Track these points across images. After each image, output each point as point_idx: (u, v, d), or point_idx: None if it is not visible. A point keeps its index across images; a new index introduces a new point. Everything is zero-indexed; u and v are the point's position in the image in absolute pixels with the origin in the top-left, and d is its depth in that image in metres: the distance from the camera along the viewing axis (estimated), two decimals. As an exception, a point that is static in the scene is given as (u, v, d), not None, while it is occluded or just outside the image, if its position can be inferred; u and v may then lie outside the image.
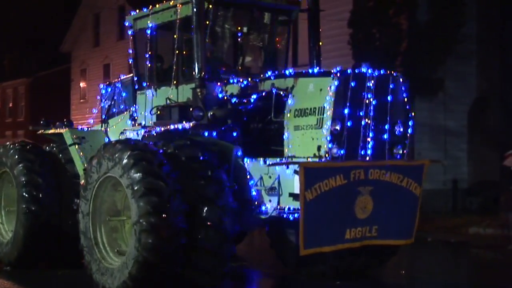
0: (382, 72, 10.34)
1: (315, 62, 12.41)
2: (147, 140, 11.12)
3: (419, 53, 23.55)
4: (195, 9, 11.05)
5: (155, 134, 11.27)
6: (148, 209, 9.79)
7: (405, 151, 10.62)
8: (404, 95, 10.54)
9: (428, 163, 10.86)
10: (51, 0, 45.22)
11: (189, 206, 10.09)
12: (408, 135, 10.61)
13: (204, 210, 10.05)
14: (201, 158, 10.39)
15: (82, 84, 44.05)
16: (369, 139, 10.30)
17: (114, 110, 13.81)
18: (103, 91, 14.29)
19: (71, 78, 44.79)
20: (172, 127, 11.06)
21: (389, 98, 10.41)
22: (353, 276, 12.00)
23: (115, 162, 10.30)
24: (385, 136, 10.45)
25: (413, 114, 10.60)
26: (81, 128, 13.80)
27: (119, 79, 13.99)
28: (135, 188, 9.92)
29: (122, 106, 13.64)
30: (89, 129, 13.99)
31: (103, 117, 14.10)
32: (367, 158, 10.31)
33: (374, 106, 10.27)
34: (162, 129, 11.17)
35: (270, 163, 10.44)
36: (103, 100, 14.19)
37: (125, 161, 10.12)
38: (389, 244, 10.99)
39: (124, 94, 13.59)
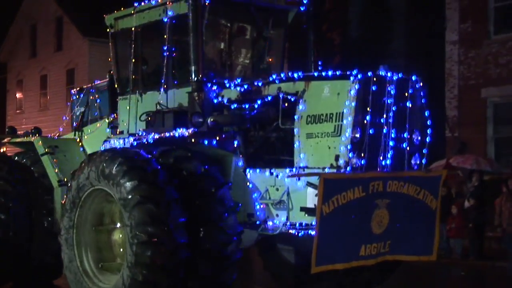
0: (402, 75, 8.66)
1: (313, 65, 10.61)
2: (138, 148, 9.11)
3: (351, 67, 22.39)
4: (192, 7, 9.16)
5: (146, 142, 9.23)
6: (144, 219, 8.04)
7: (423, 161, 8.90)
8: (422, 101, 8.92)
9: (446, 173, 9.22)
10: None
11: (188, 220, 8.35)
12: (426, 144, 8.93)
13: (206, 229, 8.42)
14: (202, 171, 8.75)
15: (18, 95, 40.92)
16: (389, 148, 8.58)
17: (88, 117, 11.63)
18: (75, 98, 12.07)
19: (7, 88, 41.62)
20: (167, 134, 9.08)
21: (408, 103, 8.72)
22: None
23: (104, 172, 8.52)
24: (404, 145, 8.82)
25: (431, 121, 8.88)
26: (50, 136, 11.58)
27: (93, 85, 11.83)
28: (129, 197, 8.17)
29: (96, 113, 11.53)
30: (61, 137, 11.75)
31: (75, 124, 11.90)
32: (386, 169, 8.59)
33: (394, 112, 8.57)
34: (156, 136, 9.15)
35: (289, 174, 8.63)
36: (75, 107, 12.00)
37: (116, 169, 8.37)
38: (403, 259, 9.41)
39: (98, 101, 11.50)
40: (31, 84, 39.44)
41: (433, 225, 9.18)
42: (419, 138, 8.89)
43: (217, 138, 9.00)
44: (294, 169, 8.70)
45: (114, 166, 8.37)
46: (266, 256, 10.81)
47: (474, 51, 21.71)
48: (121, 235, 9.18)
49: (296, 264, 10.29)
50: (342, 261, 8.53)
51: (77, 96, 12.26)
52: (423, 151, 8.97)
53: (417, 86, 8.86)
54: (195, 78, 9.22)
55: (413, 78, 8.83)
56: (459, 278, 14.94)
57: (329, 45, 25.73)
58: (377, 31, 25.58)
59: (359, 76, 8.35)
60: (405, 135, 8.77)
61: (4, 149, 12.04)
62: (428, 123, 8.96)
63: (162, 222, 8.04)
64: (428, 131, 8.99)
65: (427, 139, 8.98)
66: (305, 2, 10.53)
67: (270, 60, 10.74)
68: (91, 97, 11.77)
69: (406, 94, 8.74)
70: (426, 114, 8.95)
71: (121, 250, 9.15)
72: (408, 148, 8.82)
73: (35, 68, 38.89)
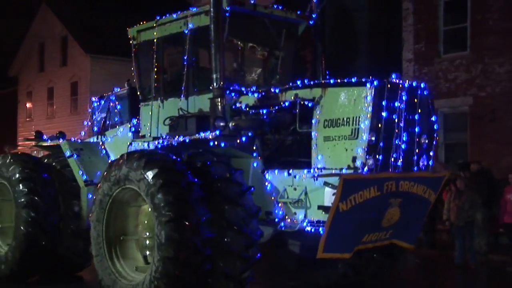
0: (412, 83, 7.80)
1: (321, 74, 9.70)
2: (165, 151, 8.07)
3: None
4: (213, 20, 8.14)
5: (170, 145, 8.21)
6: (176, 237, 7.06)
7: (429, 163, 8.03)
8: (430, 107, 8.04)
9: (448, 175, 8.37)
10: (-2, 28, 40.30)
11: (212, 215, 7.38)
12: (433, 146, 8.05)
13: (228, 213, 7.41)
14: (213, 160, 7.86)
15: (28, 105, 39.07)
16: (400, 150, 7.69)
17: (108, 122, 10.51)
18: (95, 104, 10.93)
19: (18, 99, 39.80)
20: (191, 137, 8.06)
21: (417, 109, 7.87)
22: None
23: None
24: (414, 147, 7.92)
25: (438, 125, 8.00)
26: (74, 140, 10.44)
27: (113, 93, 10.72)
28: (163, 212, 7.14)
29: (116, 119, 10.42)
30: (85, 141, 10.62)
31: (96, 129, 10.77)
32: (398, 170, 7.69)
33: (405, 117, 7.69)
34: (181, 139, 8.14)
35: (313, 175, 7.68)
36: (96, 113, 10.86)
37: (153, 179, 7.33)
38: (394, 243, 8.43)
39: (119, 107, 10.40)
40: (40, 95, 37.70)
41: (424, 218, 8.41)
42: (427, 141, 8.01)
43: (238, 141, 8.03)
44: (312, 170, 7.78)
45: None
46: (275, 250, 9.80)
47: (426, 68, 21.13)
48: (149, 209, 7.97)
49: (302, 257, 9.35)
50: (349, 251, 7.72)
51: (98, 103, 11.05)
52: (430, 153, 8.09)
53: (425, 93, 7.99)
54: (217, 85, 8.23)
55: (422, 85, 7.97)
56: (414, 265, 14.29)
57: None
58: (343, 51, 24.92)
59: (375, 83, 7.49)
60: (415, 138, 7.91)
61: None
62: (434, 127, 8.09)
63: (192, 241, 7.07)
64: (435, 134, 8.11)
65: (434, 142, 8.11)
66: (314, 16, 9.64)
67: (282, 69, 9.78)
68: (111, 104, 10.64)
69: (416, 100, 7.88)
70: (433, 119, 8.08)
71: (146, 221, 8.21)
72: (416, 150, 7.95)
73: (43, 81, 37.16)
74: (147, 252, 8.18)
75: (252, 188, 7.82)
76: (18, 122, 39.39)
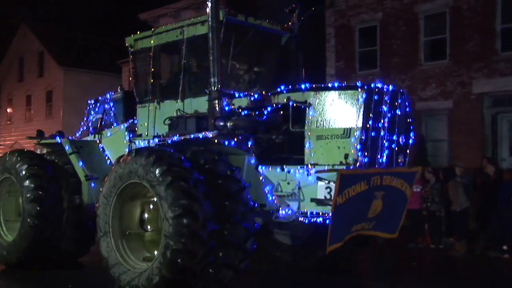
0: (395, 88, 6.79)
1: (302, 80, 8.55)
2: (172, 148, 6.71)
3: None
4: (212, 29, 6.80)
5: (173, 143, 6.82)
6: (183, 231, 5.85)
7: (406, 159, 7.05)
8: (407, 109, 7.03)
9: (420, 169, 7.43)
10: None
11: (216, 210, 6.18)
12: (409, 145, 7.08)
13: (229, 208, 6.25)
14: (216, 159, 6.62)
15: (9, 110, 35.81)
16: (384, 148, 6.67)
17: (103, 123, 8.92)
18: (91, 107, 9.30)
19: (0, 105, 36.39)
20: (192, 136, 6.71)
21: (397, 111, 6.84)
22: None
23: (148, 172, 6.16)
24: (394, 145, 6.86)
25: (414, 126, 7.03)
26: (71, 138, 8.80)
27: (108, 96, 9.12)
28: (172, 208, 5.89)
29: (111, 120, 8.86)
30: (82, 139, 8.97)
31: (91, 129, 9.14)
32: (382, 166, 6.69)
33: (388, 118, 6.66)
34: (182, 138, 6.75)
35: (313, 171, 6.50)
36: (91, 115, 9.22)
37: (161, 176, 6.07)
38: (376, 235, 7.41)
39: (114, 109, 8.83)
40: (19, 101, 34.73)
41: (404, 209, 7.39)
42: (404, 140, 7.02)
43: (235, 139, 6.75)
44: (305, 166, 6.64)
45: (159, 172, 6.01)
46: (264, 240, 8.52)
47: (345, 82, 20.54)
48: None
49: (293, 245, 8.17)
50: (342, 240, 6.63)
51: (93, 106, 9.41)
52: (407, 151, 7.11)
53: (404, 97, 6.99)
54: (215, 88, 6.89)
55: (401, 90, 6.98)
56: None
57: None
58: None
59: (365, 87, 6.39)
60: (394, 137, 6.90)
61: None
62: (411, 127, 7.11)
63: (198, 235, 5.86)
64: (411, 134, 7.13)
65: (410, 141, 7.14)
66: (295, 29, 8.49)
67: (266, 75, 8.54)
68: (106, 107, 9.04)
69: (396, 103, 6.87)
70: (409, 120, 7.09)
71: None
72: (396, 148, 6.94)
73: (22, 89, 34.29)
74: (146, 215, 6.86)
75: (249, 184, 6.62)
76: (0, 125, 36.03)
